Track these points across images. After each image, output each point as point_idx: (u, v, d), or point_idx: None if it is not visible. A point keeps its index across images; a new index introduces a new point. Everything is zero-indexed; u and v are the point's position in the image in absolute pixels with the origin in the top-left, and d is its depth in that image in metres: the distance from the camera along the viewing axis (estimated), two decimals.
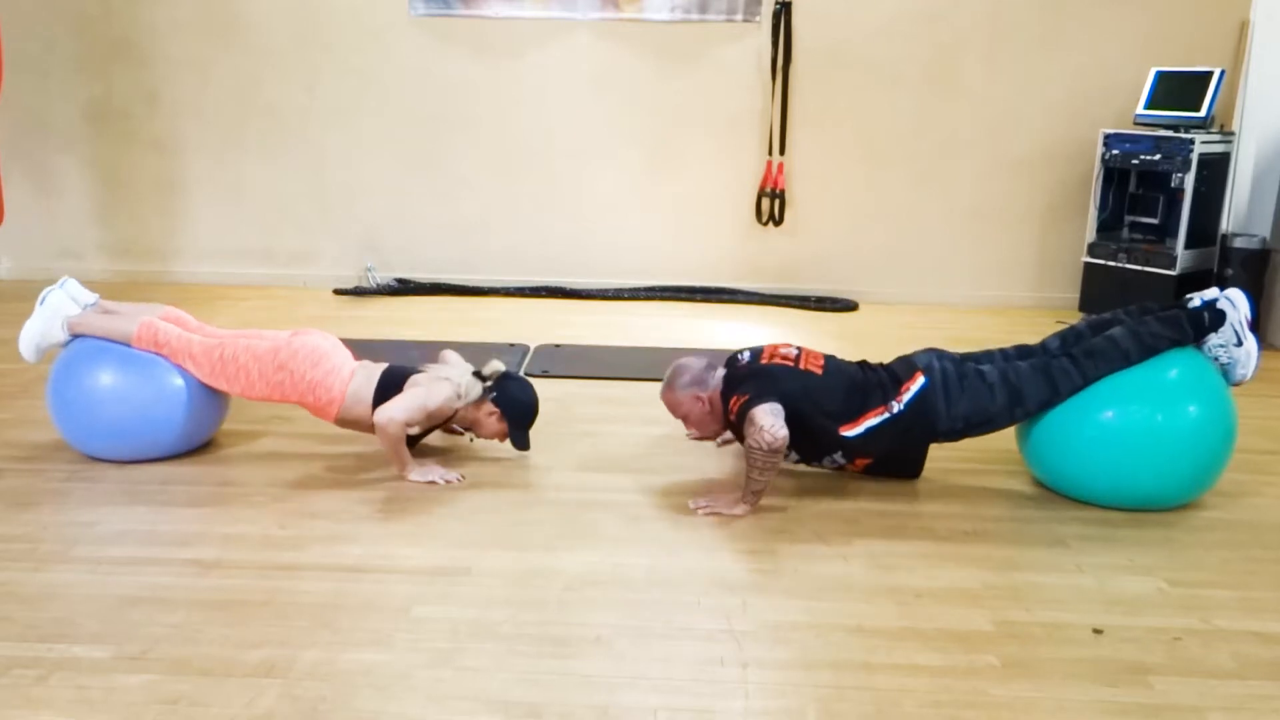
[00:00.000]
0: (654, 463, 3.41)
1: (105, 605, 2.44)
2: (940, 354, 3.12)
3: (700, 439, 3.60)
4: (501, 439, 3.33)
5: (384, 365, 3.35)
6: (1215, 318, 3.06)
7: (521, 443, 3.30)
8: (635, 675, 2.20)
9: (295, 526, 2.88)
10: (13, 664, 2.20)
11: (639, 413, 3.89)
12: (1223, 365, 3.07)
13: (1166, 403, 2.95)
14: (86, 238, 6.04)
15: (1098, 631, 2.40)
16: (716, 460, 3.45)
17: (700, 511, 3.01)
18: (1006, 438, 3.46)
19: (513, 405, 3.28)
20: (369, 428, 3.27)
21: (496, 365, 3.34)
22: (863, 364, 3.19)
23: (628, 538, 2.85)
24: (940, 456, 3.46)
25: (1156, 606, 2.53)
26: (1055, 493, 3.19)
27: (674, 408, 3.23)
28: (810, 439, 3.05)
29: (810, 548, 2.81)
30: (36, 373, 4.07)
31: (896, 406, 3.02)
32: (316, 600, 2.48)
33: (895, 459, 3.17)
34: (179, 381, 3.26)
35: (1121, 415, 2.95)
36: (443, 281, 5.86)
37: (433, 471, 3.21)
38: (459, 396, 3.24)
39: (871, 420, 3.02)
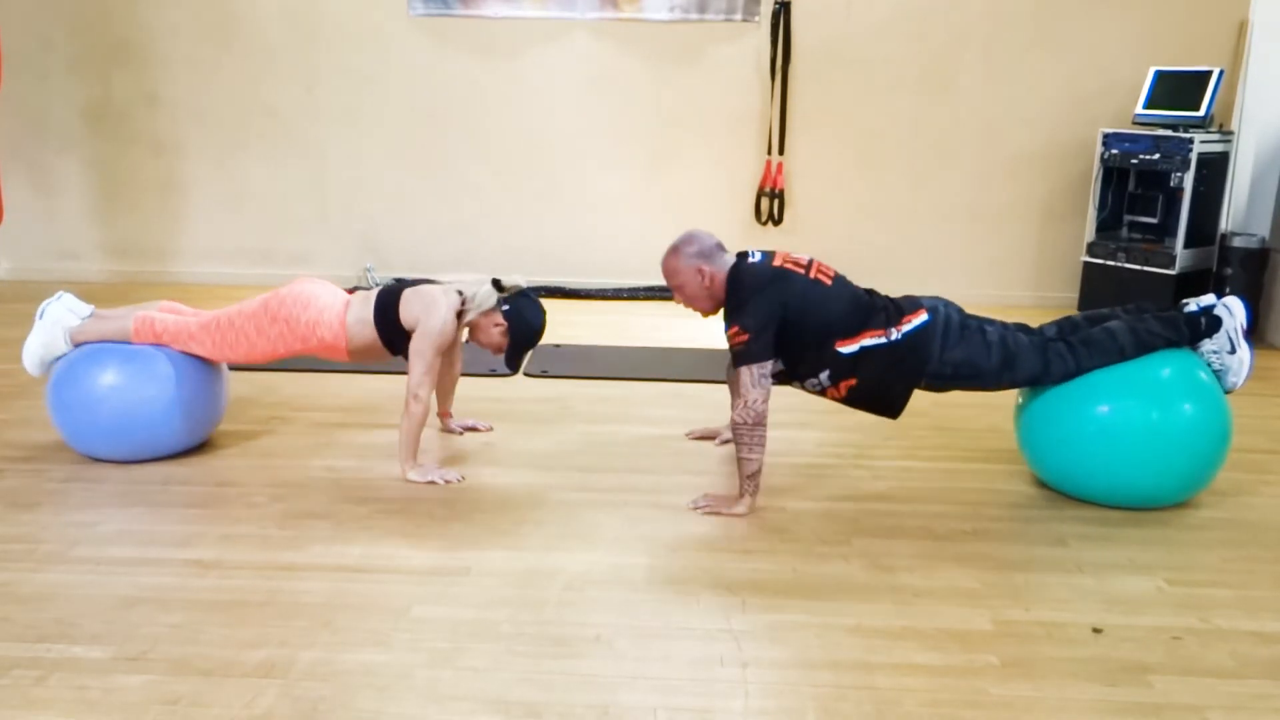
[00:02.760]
0: (654, 463, 3.41)
1: (105, 605, 2.44)
2: (947, 303, 3.11)
3: (699, 438, 3.61)
4: (496, 352, 3.30)
5: (377, 289, 3.34)
6: (1211, 323, 3.07)
7: (514, 363, 3.26)
8: (635, 675, 2.20)
9: (295, 526, 2.88)
10: (13, 664, 2.20)
11: (639, 413, 3.90)
12: (1215, 371, 3.07)
13: (1162, 400, 2.96)
14: (86, 238, 6.04)
15: (1097, 631, 2.40)
16: (717, 460, 3.45)
17: (700, 511, 3.01)
18: (1006, 436, 3.46)
19: (520, 323, 3.24)
20: (381, 350, 3.27)
21: (517, 280, 3.32)
22: (870, 290, 3.17)
23: (628, 538, 2.85)
24: (940, 455, 3.46)
25: (1156, 606, 2.53)
26: (1055, 491, 3.20)
27: (672, 274, 3.16)
28: (803, 351, 3.02)
29: (810, 548, 2.81)
30: None
31: (895, 334, 2.99)
32: (316, 600, 2.48)
33: (878, 393, 3.08)
34: (176, 380, 3.26)
35: (1120, 412, 2.95)
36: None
37: (432, 471, 3.21)
38: (467, 303, 3.22)
39: (867, 340, 2.99)
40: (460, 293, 3.25)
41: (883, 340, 3.00)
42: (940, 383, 3.06)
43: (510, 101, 5.77)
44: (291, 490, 3.14)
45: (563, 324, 5.19)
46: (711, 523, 2.95)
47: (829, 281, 3.06)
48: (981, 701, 2.12)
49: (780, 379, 3.12)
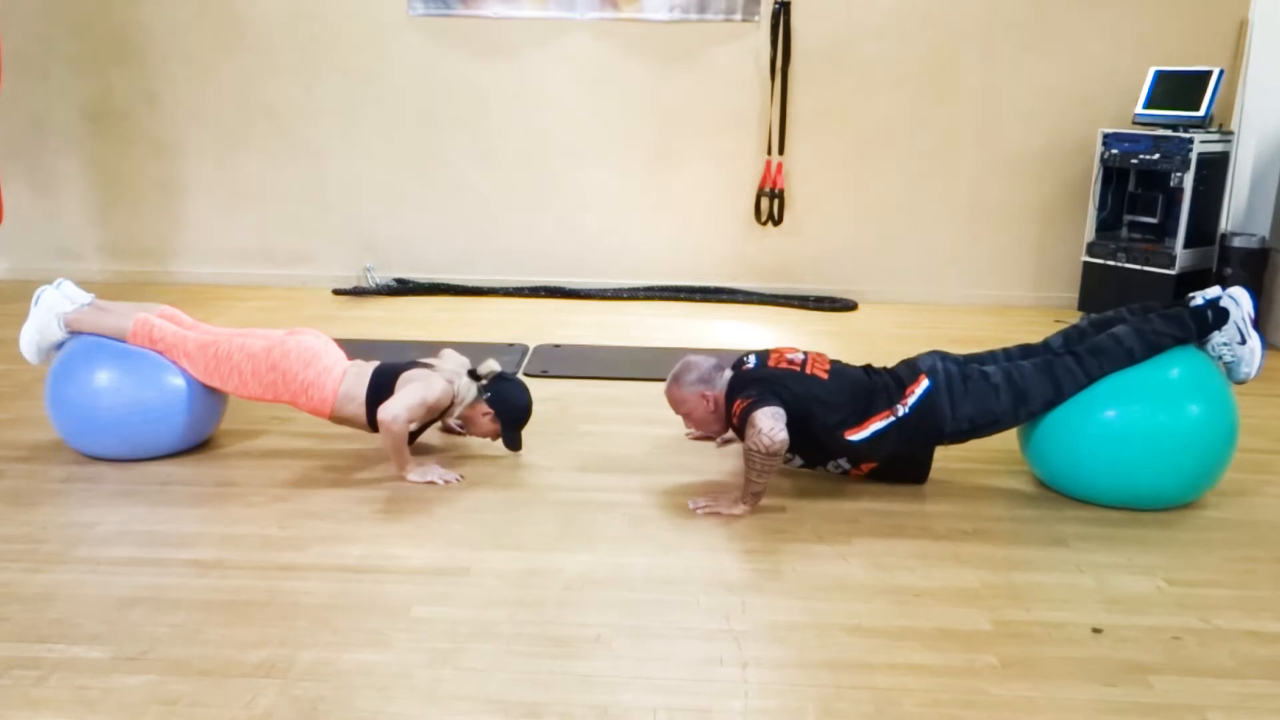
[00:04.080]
0: (654, 463, 3.41)
1: (105, 605, 2.44)
2: (943, 356, 3.12)
3: (699, 438, 3.61)
4: (494, 438, 3.35)
5: (375, 364, 3.36)
6: (1218, 316, 3.06)
7: (514, 443, 3.31)
8: (635, 675, 2.20)
9: (295, 526, 2.88)
10: (13, 664, 2.20)
11: (639, 413, 3.90)
12: (1226, 364, 3.06)
13: (1168, 402, 2.95)
14: (86, 238, 6.04)
15: (1097, 631, 2.41)
16: (717, 460, 3.45)
17: (700, 511, 3.01)
18: (1007, 437, 3.46)
19: (506, 407, 3.29)
20: (364, 425, 3.28)
21: (491, 365, 3.34)
22: (867, 368, 3.19)
23: (628, 538, 2.85)
24: (940, 455, 3.45)
25: (1156, 606, 2.53)
26: (1056, 492, 3.20)
27: (678, 404, 3.23)
28: (815, 444, 3.05)
29: (810, 548, 2.81)
30: (35, 373, 4.07)
31: (902, 410, 3.01)
32: (316, 600, 2.48)
33: (901, 464, 3.15)
34: (178, 379, 3.26)
35: (1123, 414, 2.94)
36: (442, 282, 5.86)
37: (432, 471, 3.21)
38: (454, 395, 3.25)
39: (877, 424, 3.01)
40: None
41: (892, 420, 3.02)
42: (961, 438, 3.08)
43: (510, 101, 5.77)
44: (291, 490, 3.14)
45: (563, 324, 5.19)
46: (711, 523, 2.95)
47: (825, 375, 3.08)
48: (981, 701, 2.12)
49: (801, 466, 3.18)
